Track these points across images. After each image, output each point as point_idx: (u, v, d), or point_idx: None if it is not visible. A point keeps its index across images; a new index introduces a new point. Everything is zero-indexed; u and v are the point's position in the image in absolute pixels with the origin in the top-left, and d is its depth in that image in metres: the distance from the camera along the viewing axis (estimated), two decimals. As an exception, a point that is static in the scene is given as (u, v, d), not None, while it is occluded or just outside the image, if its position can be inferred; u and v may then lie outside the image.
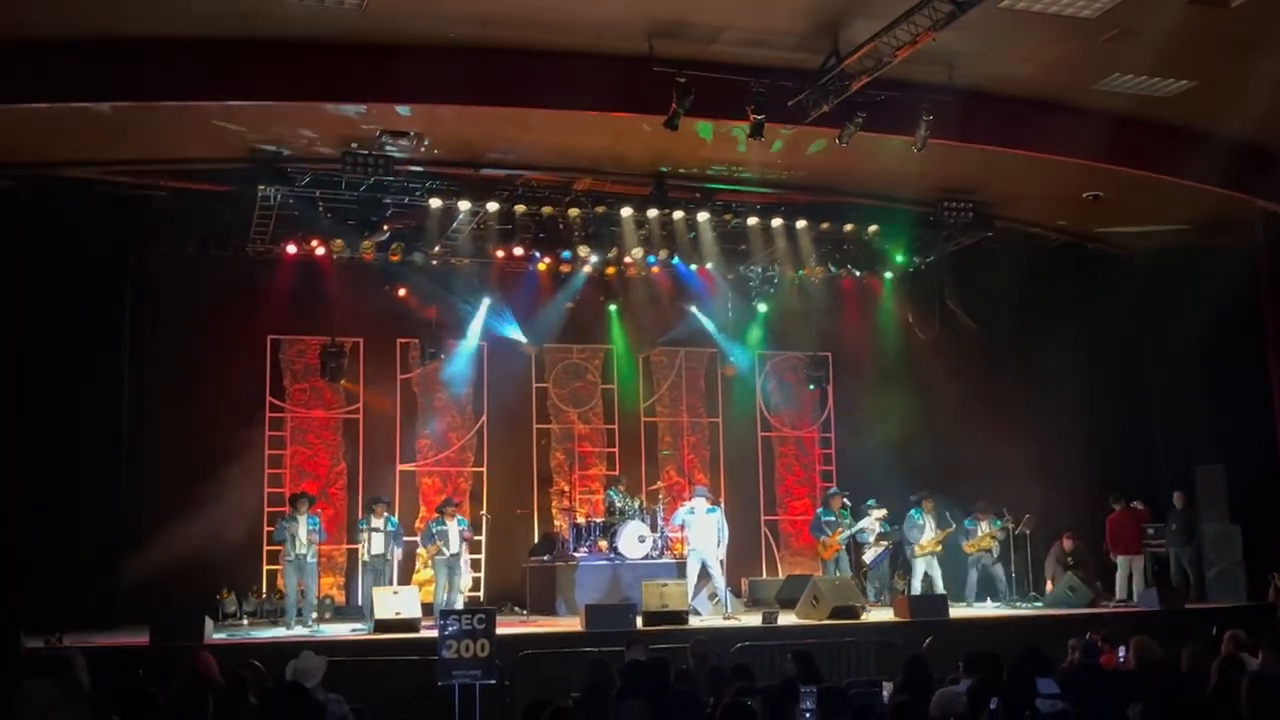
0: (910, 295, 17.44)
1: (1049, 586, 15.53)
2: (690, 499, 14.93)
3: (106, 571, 13.72)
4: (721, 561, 14.44)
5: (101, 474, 13.95)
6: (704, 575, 14.30)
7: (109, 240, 14.10)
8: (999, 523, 15.19)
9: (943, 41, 10.43)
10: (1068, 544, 15.59)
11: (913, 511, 15.20)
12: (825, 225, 15.52)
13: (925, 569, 14.99)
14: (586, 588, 14.59)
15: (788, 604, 14.33)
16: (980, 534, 15.19)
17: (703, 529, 14.35)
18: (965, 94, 12.09)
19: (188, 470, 14.48)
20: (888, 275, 17.02)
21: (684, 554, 14.91)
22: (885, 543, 15.38)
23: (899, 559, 15.84)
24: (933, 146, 12.32)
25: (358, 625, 13.37)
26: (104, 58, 10.86)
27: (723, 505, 15.69)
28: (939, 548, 15.02)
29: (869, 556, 15.42)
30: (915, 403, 17.08)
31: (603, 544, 15.28)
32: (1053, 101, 12.75)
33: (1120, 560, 15.56)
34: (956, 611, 13.84)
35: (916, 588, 14.88)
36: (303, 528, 13.19)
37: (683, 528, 14.80)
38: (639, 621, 12.47)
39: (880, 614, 13.84)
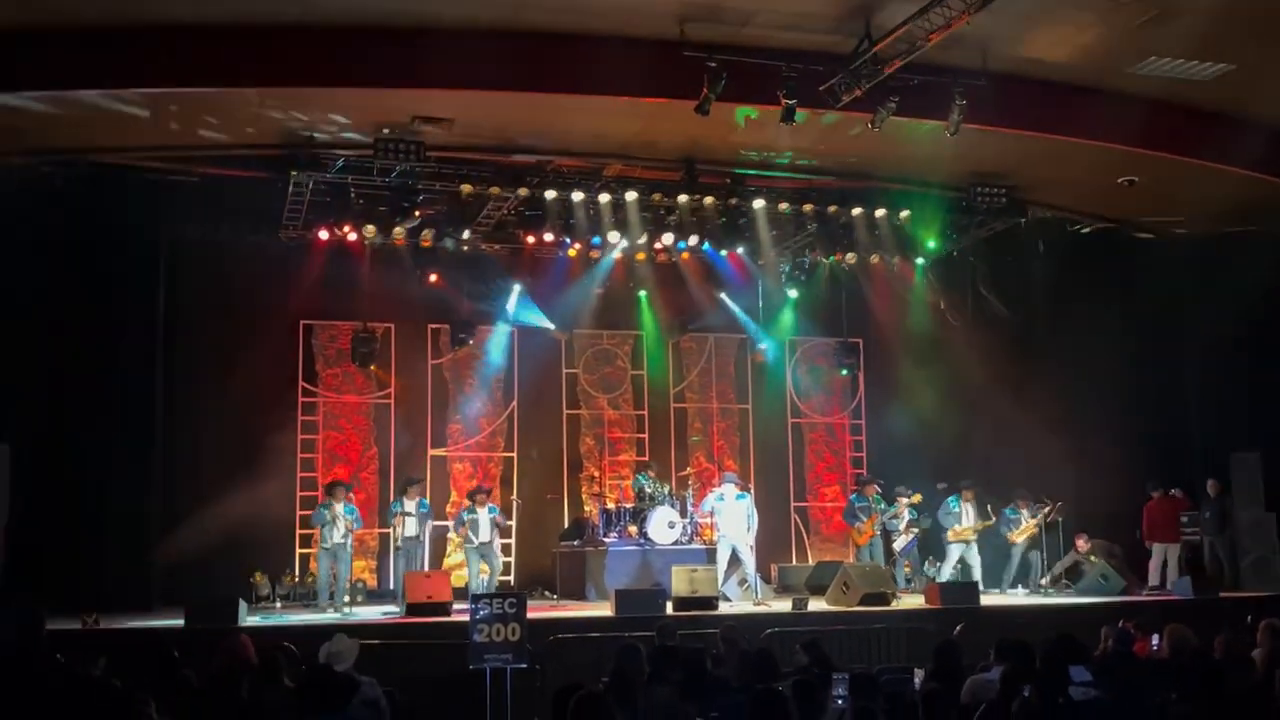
0: (942, 281, 17.32)
1: (1045, 581, 15.26)
2: (720, 485, 14.94)
3: (141, 554, 13.85)
4: (751, 547, 14.44)
5: (137, 457, 14.08)
6: (734, 561, 14.32)
7: (144, 225, 14.20)
8: (1038, 510, 15.13)
9: (977, 25, 10.33)
10: (1082, 545, 15.22)
11: (950, 499, 15.14)
12: (857, 210, 15.43)
13: (961, 555, 14.93)
14: (616, 573, 14.62)
15: (817, 590, 14.32)
16: (1025, 522, 15.11)
17: (732, 515, 14.36)
18: (999, 78, 11.99)
19: (221, 454, 14.63)
20: (920, 261, 16.90)
21: (714, 540, 14.92)
22: (915, 530, 15.33)
23: (931, 546, 15.78)
24: (966, 131, 12.22)
25: (389, 609, 13.47)
26: (139, 45, 10.93)
27: (752, 491, 15.68)
28: (974, 536, 14.96)
29: (899, 544, 15.39)
30: (947, 389, 16.99)
31: (632, 529, 15.30)
32: (1088, 86, 12.63)
33: (1155, 548, 15.45)
34: (987, 599, 13.78)
35: (946, 574, 14.82)
36: (340, 515, 13.28)
37: (712, 514, 14.81)
38: (669, 607, 12.49)
39: (911, 601, 13.81)
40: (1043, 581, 15.02)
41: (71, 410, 13.63)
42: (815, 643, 8.05)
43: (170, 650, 8.13)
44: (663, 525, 15.14)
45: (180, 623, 11.20)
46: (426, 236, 14.76)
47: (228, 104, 12.30)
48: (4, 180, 11.51)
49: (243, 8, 10.65)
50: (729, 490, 14.55)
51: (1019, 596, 14.79)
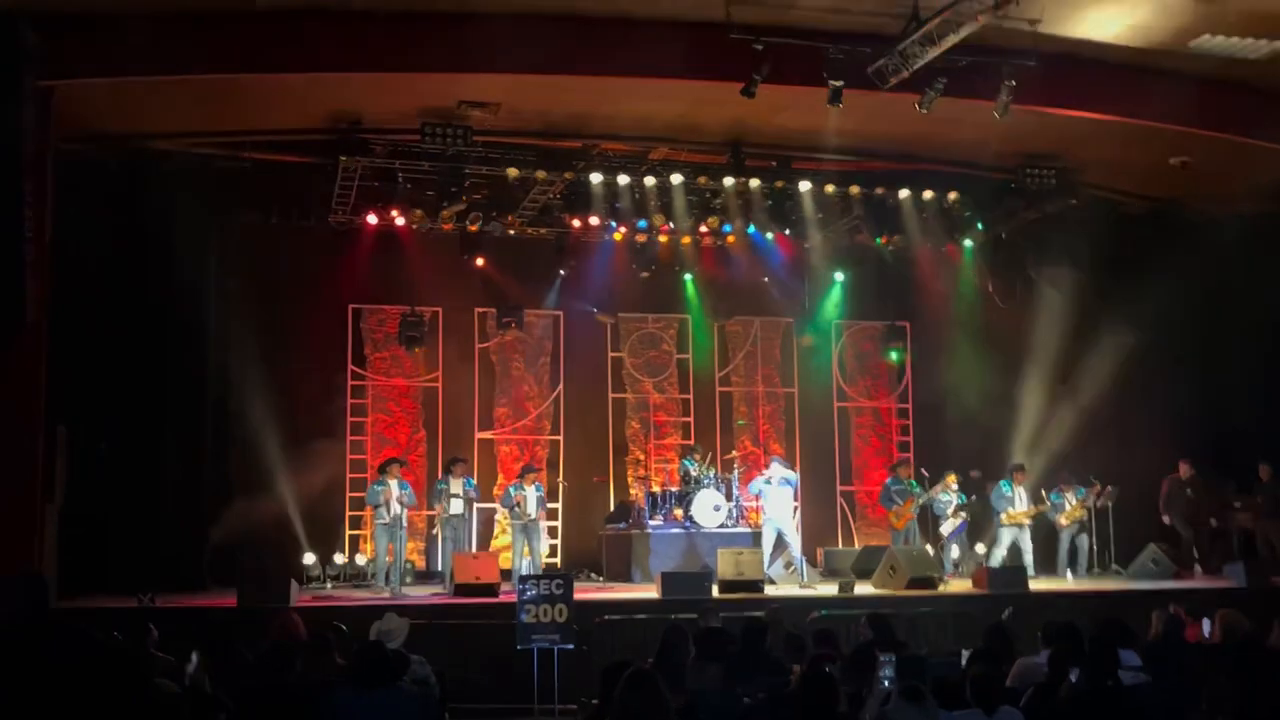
0: (991, 263, 17.18)
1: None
2: (767, 468, 14.94)
3: (194, 534, 14.08)
4: (796, 530, 14.47)
5: (190, 439, 14.32)
6: (779, 544, 14.32)
7: (196, 210, 14.36)
8: (1083, 492, 15.02)
9: (1027, 4, 10.23)
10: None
11: (1002, 482, 15.05)
12: (904, 193, 15.34)
13: (1014, 539, 14.83)
14: (662, 555, 14.66)
15: (863, 574, 14.28)
16: (1070, 505, 15.02)
17: (779, 499, 14.35)
18: (1049, 58, 11.84)
19: (272, 435, 14.79)
20: (967, 243, 16.78)
21: (759, 523, 14.93)
22: (963, 514, 15.24)
23: (977, 530, 15.70)
24: (1015, 112, 12.10)
25: (438, 589, 13.60)
26: (191, 31, 11.07)
27: (798, 475, 15.67)
28: (1028, 520, 14.87)
29: (946, 529, 15.29)
30: (995, 373, 16.86)
31: (678, 512, 15.33)
32: (1140, 65, 12.45)
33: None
34: (1036, 584, 13.70)
35: (998, 558, 14.74)
36: (394, 491, 13.42)
37: (759, 497, 14.82)
38: (714, 589, 12.52)
39: (958, 585, 13.75)
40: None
41: (126, 393, 13.83)
42: (881, 616, 8.01)
43: (225, 628, 8.30)
44: (708, 508, 15.16)
45: (233, 602, 11.38)
46: (473, 220, 14.85)
47: (277, 90, 12.44)
48: (59, 166, 11.68)
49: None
50: (777, 473, 14.53)
51: (1068, 581, 14.67)
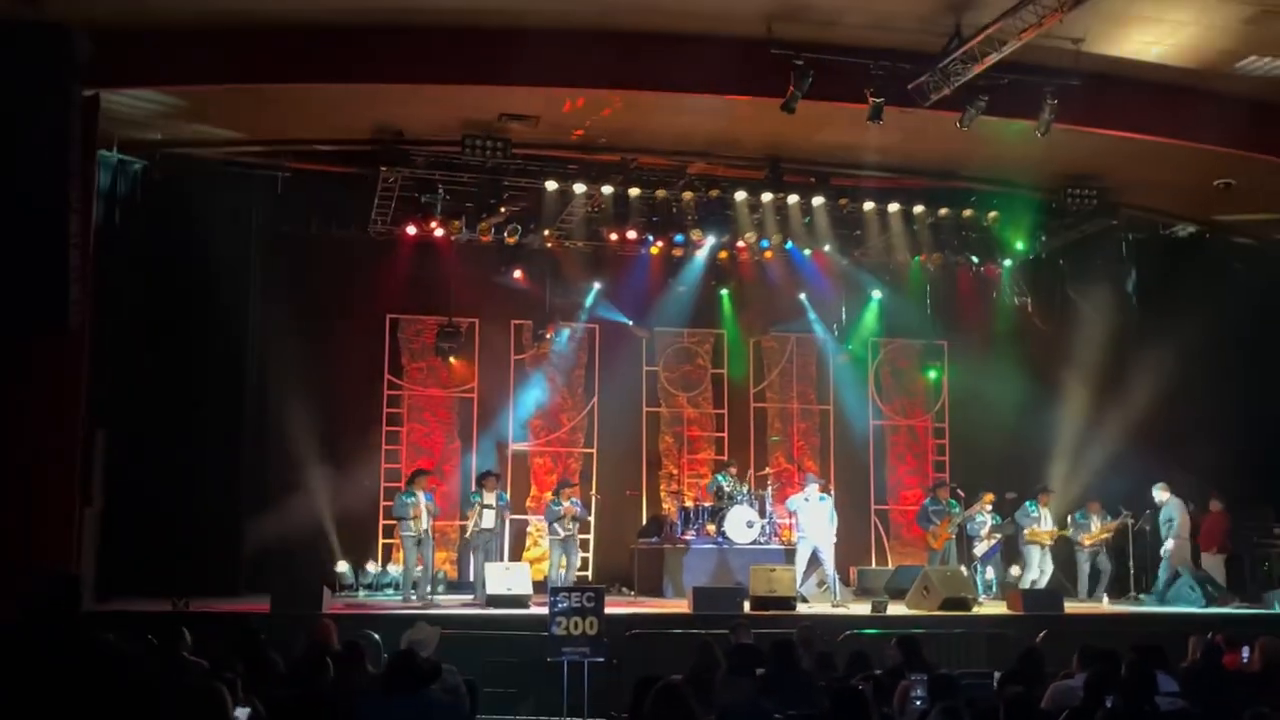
0: (1030, 283, 17.07)
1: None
2: (804, 486, 14.92)
3: (230, 540, 14.18)
4: (831, 548, 14.41)
5: (227, 445, 14.42)
6: (813, 562, 14.27)
7: (238, 219, 14.51)
8: (1110, 518, 14.88)
9: (1070, 23, 10.19)
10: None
11: (1028, 502, 14.97)
12: (943, 211, 15.29)
13: (1039, 560, 14.73)
14: (693, 570, 14.61)
15: (896, 594, 14.18)
16: (1095, 528, 14.87)
17: (814, 517, 14.34)
18: (1092, 77, 11.79)
19: (308, 444, 14.87)
20: (1007, 263, 16.69)
21: (792, 540, 14.88)
22: (998, 536, 15.12)
23: (1012, 552, 15.57)
24: (1057, 131, 12.06)
25: (470, 599, 13.62)
26: (235, 42, 11.21)
27: (833, 493, 15.60)
28: (1050, 540, 14.74)
29: (980, 550, 15.17)
30: (1033, 394, 16.73)
31: (710, 528, 15.28)
32: (1185, 86, 12.37)
33: (1206, 558, 15.14)
34: (1071, 606, 13.56)
35: (1028, 580, 14.62)
36: (421, 503, 13.48)
37: (794, 514, 14.78)
38: (746, 606, 12.47)
39: (992, 607, 13.64)
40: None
41: (165, 399, 13.97)
42: (910, 639, 7.94)
43: (257, 634, 8.33)
44: (741, 524, 15.10)
45: (266, 608, 11.44)
46: (511, 233, 14.91)
47: (320, 101, 12.56)
48: (103, 173, 11.84)
49: (335, 6, 10.86)
50: (812, 491, 14.54)
51: (1104, 605, 14.51)
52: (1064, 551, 15.21)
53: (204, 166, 14.10)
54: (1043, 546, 14.79)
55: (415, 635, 8.47)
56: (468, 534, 14.01)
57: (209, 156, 14.07)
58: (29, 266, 9.98)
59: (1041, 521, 14.81)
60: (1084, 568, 15.04)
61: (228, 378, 14.53)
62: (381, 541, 15.48)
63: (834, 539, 14.51)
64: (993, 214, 15.47)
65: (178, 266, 14.16)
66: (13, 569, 10.60)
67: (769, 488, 16.12)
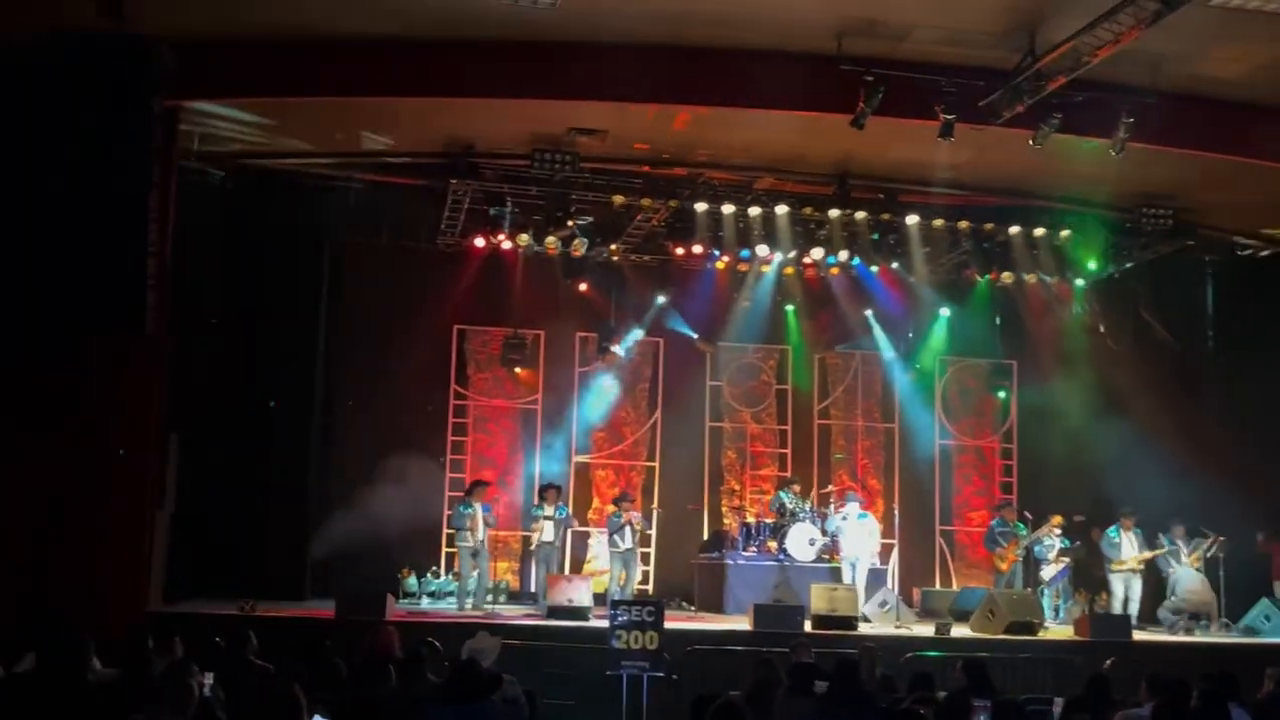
0: (1103, 303, 16.81)
1: None
2: (843, 505, 14.80)
3: (297, 545, 14.37)
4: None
5: (296, 452, 14.64)
6: (877, 582, 14.17)
7: (309, 229, 14.78)
8: (1197, 542, 14.54)
9: (1146, 41, 10.03)
10: None
11: (1110, 529, 14.66)
12: (1014, 229, 15.12)
13: (1124, 588, 14.43)
14: (754, 587, 14.53)
15: (961, 616, 14.02)
16: (1184, 554, 14.54)
17: (855, 536, 14.22)
18: (1169, 96, 11.62)
19: (375, 452, 15.04)
20: (1079, 282, 16.44)
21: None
22: (1065, 559, 14.86)
23: (1082, 576, 15.29)
24: (1132, 150, 11.88)
25: (531, 609, 13.68)
26: (310, 55, 11.41)
27: (897, 510, 15.45)
28: (1141, 566, 14.45)
29: (1047, 573, 14.93)
30: (1104, 416, 16.44)
31: (772, 545, 15.21)
32: (1263, 104, 12.14)
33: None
34: (1141, 634, 13.30)
35: (1118, 607, 14.33)
36: (479, 514, 13.59)
37: (836, 534, 14.67)
38: (807, 625, 12.38)
39: (1059, 632, 13.41)
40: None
41: (236, 405, 14.22)
42: (978, 663, 7.79)
43: (322, 639, 8.44)
44: (803, 542, 15.02)
45: (331, 613, 11.57)
46: (578, 246, 14.98)
47: (393, 114, 12.74)
48: (180, 183, 12.09)
49: (411, 23, 11.01)
50: (852, 510, 14.44)
51: (1177, 633, 14.18)
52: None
53: (279, 178, 14.35)
54: (1133, 573, 14.47)
55: (476, 645, 8.52)
56: (531, 546, 14.08)
57: (284, 168, 14.33)
58: (109, 272, 10.23)
59: (1125, 547, 14.48)
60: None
61: (297, 385, 14.75)
62: (445, 550, 15.59)
63: (874, 558, 14.39)
64: (1065, 233, 15.28)
65: (251, 275, 14.43)
66: (88, 570, 10.89)
67: (832, 505, 16.02)
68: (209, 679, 6.92)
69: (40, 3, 9.85)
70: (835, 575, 14.51)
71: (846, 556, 14.38)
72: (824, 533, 15.18)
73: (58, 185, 9.89)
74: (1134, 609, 14.23)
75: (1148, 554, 14.47)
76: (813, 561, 14.91)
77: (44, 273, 10.33)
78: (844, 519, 14.52)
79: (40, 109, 10.16)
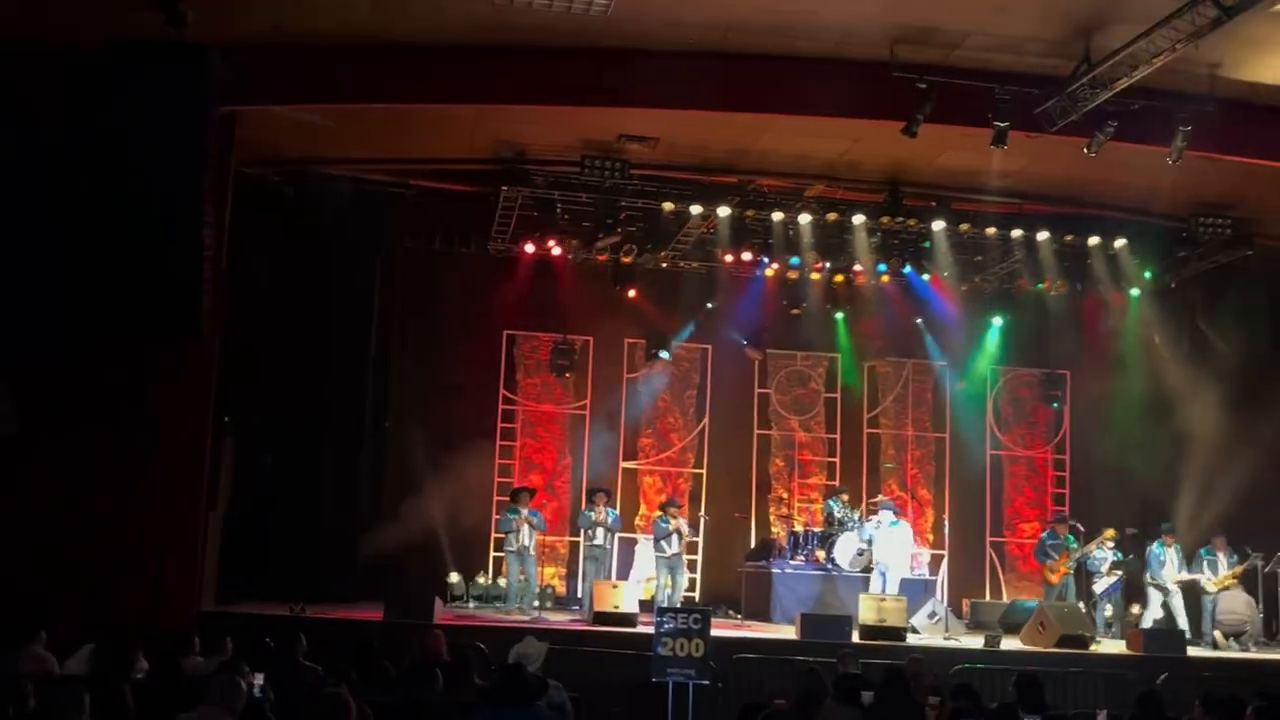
0: (1158, 314, 16.56)
1: None
2: (877, 513, 14.67)
3: (347, 548, 14.49)
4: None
5: (347, 455, 14.77)
6: (927, 592, 14.05)
7: (364, 234, 14.93)
8: (1237, 558, 14.28)
9: (1204, 48, 9.88)
10: None
11: (1155, 546, 14.44)
12: (1069, 238, 14.96)
13: (1163, 604, 14.22)
14: (802, 597, 14.48)
15: (1010, 628, 13.87)
16: (1222, 569, 14.29)
17: (888, 544, 14.10)
18: (1227, 103, 11.43)
19: (425, 456, 15.17)
20: (1134, 292, 16.23)
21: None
22: (1118, 573, 14.67)
23: (1135, 590, 15.08)
24: (1189, 158, 11.71)
25: (577, 615, 13.70)
26: (365, 62, 11.50)
27: (947, 520, 15.30)
28: (1174, 585, 14.22)
29: (1100, 586, 14.75)
30: (1158, 429, 16.21)
31: (820, 554, 15.14)
32: (1327, 112, 11.91)
33: None
34: (1196, 650, 13.09)
35: (1149, 621, 14.14)
36: (524, 519, 13.67)
37: (870, 542, 14.54)
38: (854, 635, 12.31)
39: (1111, 646, 13.23)
40: None
41: (289, 409, 14.38)
42: (1032, 678, 7.68)
43: (370, 641, 8.51)
44: (851, 551, 14.93)
45: (379, 615, 11.66)
46: (627, 252, 15.02)
47: (447, 121, 12.83)
48: (238, 189, 12.25)
49: (463, 30, 11.09)
50: (886, 517, 14.33)
51: (1232, 649, 13.94)
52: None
53: (333, 183, 14.50)
54: (1170, 590, 14.26)
55: (523, 649, 8.58)
56: (583, 551, 14.15)
57: (338, 173, 14.47)
58: (166, 276, 10.36)
59: (1169, 564, 14.28)
60: (1208, 610, 14.42)
61: (349, 389, 14.88)
62: (492, 554, 15.67)
63: (907, 567, 14.29)
64: (1120, 242, 15.09)
65: (305, 280, 14.59)
66: (143, 569, 11.06)
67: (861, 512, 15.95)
68: (259, 679, 7.01)
69: (106, 14, 10.02)
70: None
71: (878, 564, 14.23)
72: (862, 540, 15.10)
73: (117, 190, 10.04)
74: (1182, 623, 13.99)
75: (1185, 575, 14.24)
76: (860, 571, 14.83)
77: (101, 277, 10.49)
78: (877, 526, 14.39)
79: (101, 115, 10.33)
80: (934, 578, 16.10)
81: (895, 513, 14.66)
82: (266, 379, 14.09)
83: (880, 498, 15.90)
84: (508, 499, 14.72)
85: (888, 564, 14.18)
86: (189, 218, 10.18)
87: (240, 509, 13.34)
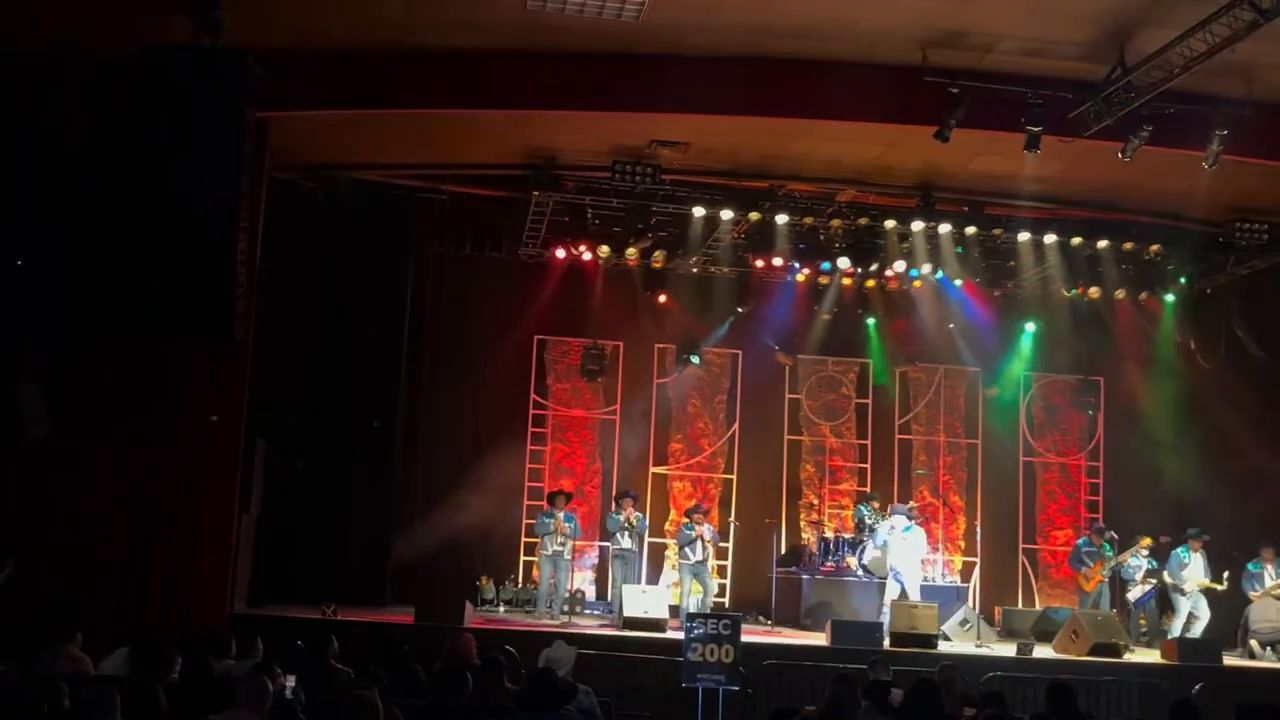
0: (1194, 320, 16.41)
1: None
2: (889, 516, 14.52)
3: (378, 551, 14.55)
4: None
5: (378, 458, 14.82)
6: (959, 599, 13.93)
7: (395, 239, 14.99)
8: None
9: (1242, 51, 9.77)
10: None
11: (1179, 549, 14.28)
12: (1103, 243, 14.84)
13: (1190, 609, 14.06)
14: (832, 603, 14.43)
15: (1043, 636, 13.77)
16: (1269, 579, 14.11)
17: (902, 549, 13.95)
18: (1265, 107, 11.31)
19: (455, 460, 15.23)
20: (1169, 298, 16.08)
21: (931, 576, 14.55)
22: (1152, 581, 14.53)
23: (1168, 599, 14.92)
24: (1225, 163, 11.58)
25: (606, 620, 13.70)
26: (398, 67, 11.58)
27: (979, 527, 15.17)
28: (1204, 589, 14.06)
29: (1134, 595, 14.62)
30: (1194, 435, 16.07)
31: (850, 560, 15.07)
32: (1366, 115, 11.76)
33: None
34: (1230, 660, 12.94)
35: (1177, 629, 13.99)
36: (560, 523, 13.69)
37: (884, 547, 14.38)
38: (885, 641, 12.24)
39: (1145, 655, 13.11)
40: None
41: (321, 412, 14.47)
42: (1065, 686, 7.60)
43: (401, 645, 8.54)
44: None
45: (410, 619, 11.70)
46: (657, 257, 15.03)
47: (479, 126, 12.88)
48: (271, 194, 12.34)
49: (496, 36, 11.13)
50: (900, 521, 14.12)
51: (1268, 659, 13.78)
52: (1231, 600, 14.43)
53: (367, 189, 14.59)
54: (1197, 595, 14.10)
55: (553, 654, 8.59)
56: (613, 555, 14.15)
57: (370, 179, 14.56)
58: (199, 281, 10.43)
59: (1192, 569, 14.12)
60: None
61: (380, 392, 14.93)
62: (523, 558, 15.70)
63: (921, 571, 14.14)
64: (1155, 247, 14.97)
65: (336, 284, 14.69)
66: (177, 571, 11.15)
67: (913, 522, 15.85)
68: (290, 681, 7.05)
69: (140, 20, 10.12)
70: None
71: (893, 569, 13.98)
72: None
73: (151, 194, 10.13)
74: (1196, 630, 13.86)
75: (1209, 582, 14.06)
76: (879, 578, 14.73)
77: (135, 281, 10.58)
78: (890, 531, 14.16)
79: (132, 120, 10.43)
80: (965, 585, 16.00)
81: (909, 517, 14.45)
82: (298, 382, 14.18)
83: (897, 504, 15.71)
84: (541, 502, 14.76)
85: (902, 569, 13.93)
86: (224, 222, 10.24)
87: (272, 512, 13.42)
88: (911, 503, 15.55)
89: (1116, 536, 14.67)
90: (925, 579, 15.38)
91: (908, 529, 14.16)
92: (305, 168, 13.98)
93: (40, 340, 10.99)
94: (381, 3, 10.59)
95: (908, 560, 13.99)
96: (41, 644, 7.89)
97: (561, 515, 13.85)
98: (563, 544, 13.77)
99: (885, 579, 14.30)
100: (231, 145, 10.08)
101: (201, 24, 9.71)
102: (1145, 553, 14.44)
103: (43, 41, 10.74)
